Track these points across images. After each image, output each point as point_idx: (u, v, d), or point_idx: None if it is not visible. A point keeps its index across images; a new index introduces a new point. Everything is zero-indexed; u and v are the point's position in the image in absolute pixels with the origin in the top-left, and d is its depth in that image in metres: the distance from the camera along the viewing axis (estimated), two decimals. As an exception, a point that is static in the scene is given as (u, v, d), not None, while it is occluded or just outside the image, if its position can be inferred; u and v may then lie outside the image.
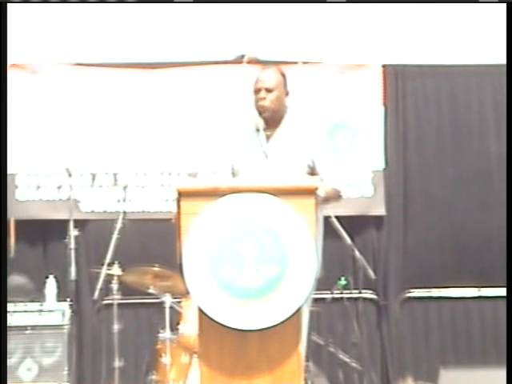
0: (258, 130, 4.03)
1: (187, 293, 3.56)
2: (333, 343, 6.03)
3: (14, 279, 6.20)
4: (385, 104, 6.84)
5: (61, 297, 6.01)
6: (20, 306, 5.91)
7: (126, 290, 5.69)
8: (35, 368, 5.83)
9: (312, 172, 4.06)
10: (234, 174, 4.13)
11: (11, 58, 6.15)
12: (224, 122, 6.44)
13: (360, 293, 5.70)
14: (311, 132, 4.21)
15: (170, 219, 3.76)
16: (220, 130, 6.39)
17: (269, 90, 4.06)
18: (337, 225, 5.23)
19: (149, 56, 6.61)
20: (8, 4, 5.73)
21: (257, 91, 4.08)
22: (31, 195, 6.56)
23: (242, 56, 6.54)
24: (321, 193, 3.65)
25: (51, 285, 6.06)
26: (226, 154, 4.19)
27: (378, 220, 6.81)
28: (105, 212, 6.55)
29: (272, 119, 4.07)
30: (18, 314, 5.87)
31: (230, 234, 3.45)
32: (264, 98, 4.06)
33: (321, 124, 6.69)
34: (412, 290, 6.78)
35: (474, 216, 6.79)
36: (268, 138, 4.08)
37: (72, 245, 5.82)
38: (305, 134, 4.15)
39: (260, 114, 4.08)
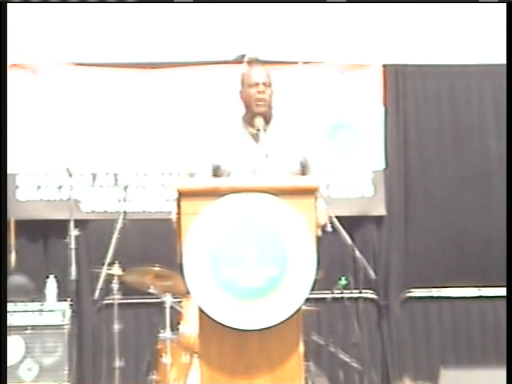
0: (258, 130, 4.01)
1: (187, 293, 3.56)
2: (333, 343, 6.03)
3: (15, 279, 6.20)
4: (385, 104, 6.84)
5: (61, 297, 6.01)
6: (20, 306, 5.92)
7: (127, 289, 5.69)
8: (35, 368, 5.84)
9: (303, 170, 4.03)
10: (218, 175, 4.03)
11: (11, 58, 6.16)
12: (224, 122, 6.42)
13: (360, 293, 5.69)
14: (303, 130, 4.18)
15: (170, 219, 3.77)
16: (220, 131, 6.38)
17: (266, 85, 4.01)
18: (337, 225, 5.23)
19: (149, 56, 6.61)
20: (8, 4, 5.73)
21: (254, 85, 3.99)
22: (32, 195, 6.56)
23: (242, 56, 6.50)
24: (328, 228, 3.73)
25: (52, 285, 6.06)
26: (215, 153, 4.11)
27: (378, 220, 6.82)
28: (105, 212, 6.55)
29: (267, 115, 4.02)
30: (19, 314, 5.87)
31: (230, 233, 3.44)
32: (264, 92, 3.99)
33: (319, 123, 6.72)
34: (412, 290, 6.78)
35: (475, 216, 6.80)
36: (260, 137, 4.03)
37: (72, 245, 5.83)
38: (297, 133, 4.12)
39: (255, 108, 4.01)
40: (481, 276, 6.68)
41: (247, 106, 4.03)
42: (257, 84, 3.98)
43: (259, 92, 3.97)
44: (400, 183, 6.88)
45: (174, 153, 6.62)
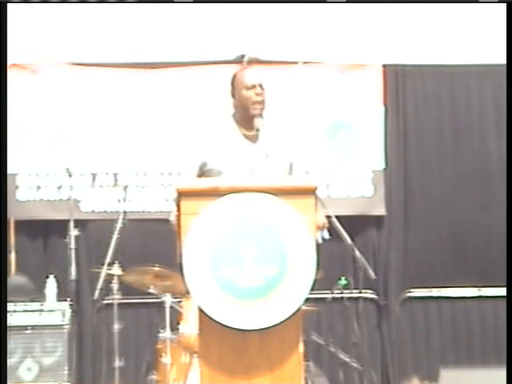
0: (258, 130, 4.01)
1: (187, 292, 3.55)
2: (333, 343, 6.03)
3: (15, 279, 6.20)
4: (385, 104, 6.85)
5: (61, 297, 6.01)
6: (20, 306, 5.92)
7: (127, 289, 5.69)
8: (35, 368, 5.84)
9: (290, 171, 4.04)
10: (207, 175, 4.01)
11: (11, 58, 6.16)
12: (221, 122, 6.42)
13: (360, 292, 5.70)
14: (303, 130, 4.18)
15: (169, 221, 3.77)
16: (215, 130, 6.38)
17: (262, 87, 4.03)
18: (337, 225, 5.23)
19: (149, 56, 6.61)
20: (8, 4, 5.73)
21: (251, 87, 3.99)
22: (32, 195, 6.56)
23: (242, 56, 6.54)
24: (326, 235, 3.74)
25: (51, 285, 6.06)
26: (206, 152, 4.10)
27: (378, 220, 6.82)
28: (105, 212, 6.56)
29: (262, 117, 4.03)
30: (18, 314, 5.87)
31: (229, 233, 3.45)
32: (261, 94, 4.00)
33: (319, 123, 6.71)
34: (412, 290, 6.79)
35: (474, 215, 6.80)
36: (254, 138, 4.03)
37: (72, 245, 5.82)
38: (296, 132, 4.13)
39: (252, 110, 4.01)
40: (481, 276, 6.68)
41: (242, 108, 4.04)
42: (254, 86, 4.00)
43: (257, 94, 3.99)
44: (400, 183, 6.88)
45: (173, 153, 6.62)
